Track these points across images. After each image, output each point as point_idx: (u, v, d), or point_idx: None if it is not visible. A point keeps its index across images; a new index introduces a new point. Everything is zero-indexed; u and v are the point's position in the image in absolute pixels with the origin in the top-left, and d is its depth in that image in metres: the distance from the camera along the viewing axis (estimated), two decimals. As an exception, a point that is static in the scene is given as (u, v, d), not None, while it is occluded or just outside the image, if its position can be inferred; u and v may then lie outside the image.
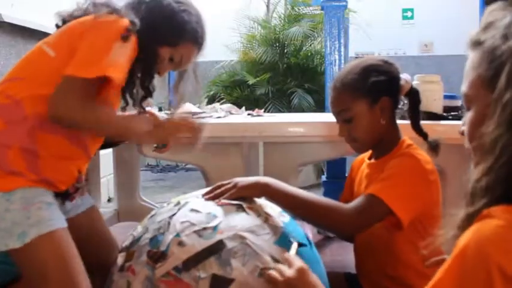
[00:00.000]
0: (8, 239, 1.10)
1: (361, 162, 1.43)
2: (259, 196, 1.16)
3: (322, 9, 3.47)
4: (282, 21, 5.39)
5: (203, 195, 1.17)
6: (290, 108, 4.67)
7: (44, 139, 1.17)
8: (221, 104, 2.82)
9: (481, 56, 0.69)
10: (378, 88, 1.26)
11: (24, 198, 1.12)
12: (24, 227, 1.10)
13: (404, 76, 1.31)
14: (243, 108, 2.55)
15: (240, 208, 1.12)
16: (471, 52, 0.72)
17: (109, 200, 3.89)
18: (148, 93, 1.41)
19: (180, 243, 1.03)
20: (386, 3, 6.88)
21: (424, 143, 1.32)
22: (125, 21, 1.21)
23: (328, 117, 2.57)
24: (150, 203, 2.75)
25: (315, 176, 4.31)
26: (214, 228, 1.05)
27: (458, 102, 2.10)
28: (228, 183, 1.16)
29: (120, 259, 1.12)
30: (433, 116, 1.90)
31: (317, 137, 1.93)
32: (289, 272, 0.93)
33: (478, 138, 0.67)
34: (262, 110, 2.58)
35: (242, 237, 1.04)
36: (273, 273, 0.94)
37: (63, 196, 1.27)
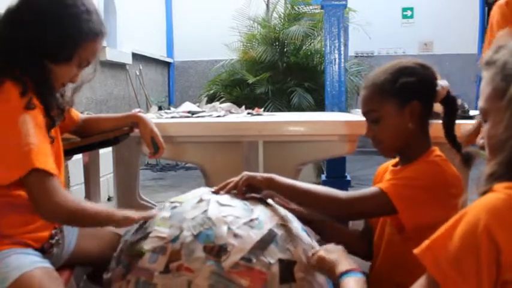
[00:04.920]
0: None
1: (385, 170, 1.38)
2: (265, 188, 1.23)
3: (322, 8, 3.47)
4: (282, 20, 5.39)
5: (214, 192, 1.23)
6: (290, 107, 4.67)
7: (7, 225, 1.16)
8: (221, 103, 2.82)
9: (494, 72, 0.77)
10: (407, 90, 1.22)
11: (1, 256, 1.12)
12: (4, 274, 1.09)
13: (442, 82, 1.26)
14: (243, 107, 2.55)
15: (261, 200, 1.22)
16: (485, 71, 0.80)
17: (109, 199, 3.89)
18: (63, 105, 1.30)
19: (236, 236, 1.08)
20: (386, 2, 6.89)
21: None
22: (13, 92, 1.10)
23: (328, 116, 2.57)
24: (150, 202, 2.75)
25: (315, 175, 4.31)
26: (259, 220, 1.13)
27: (458, 101, 2.09)
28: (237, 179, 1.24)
29: (151, 264, 1.07)
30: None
31: (317, 136, 1.93)
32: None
33: (490, 139, 0.77)
34: (262, 109, 2.58)
35: (284, 226, 1.15)
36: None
37: (40, 252, 1.24)
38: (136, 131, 1.58)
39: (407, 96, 1.22)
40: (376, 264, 1.33)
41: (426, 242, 0.73)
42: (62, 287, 1.16)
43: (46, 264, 1.17)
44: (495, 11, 1.87)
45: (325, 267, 1.06)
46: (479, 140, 0.83)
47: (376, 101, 1.25)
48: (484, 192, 0.73)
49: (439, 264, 0.70)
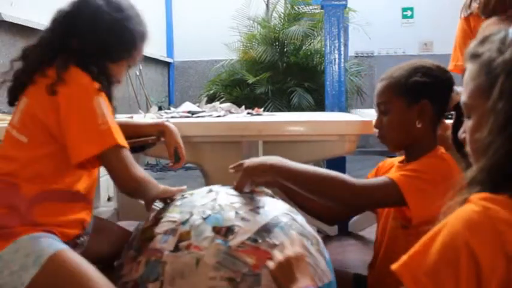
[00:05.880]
0: (23, 275, 1.11)
1: (390, 165, 1.39)
2: (266, 176, 1.22)
3: (322, 8, 3.46)
4: (282, 20, 5.39)
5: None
6: (290, 107, 4.67)
7: (40, 212, 1.20)
8: (221, 103, 2.81)
9: (479, 68, 0.75)
10: (418, 89, 1.23)
11: (32, 237, 1.16)
12: (38, 252, 1.13)
13: (459, 89, 1.28)
14: (243, 107, 2.55)
15: (267, 194, 1.28)
16: (469, 64, 0.77)
17: (109, 199, 3.88)
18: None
19: (243, 219, 1.13)
20: (386, 2, 6.88)
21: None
22: (85, 79, 1.20)
23: (328, 116, 2.57)
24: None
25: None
26: (265, 208, 1.19)
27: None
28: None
29: (161, 244, 1.12)
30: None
31: (317, 136, 1.93)
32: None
33: (474, 143, 0.75)
34: (262, 109, 2.57)
35: (288, 215, 1.21)
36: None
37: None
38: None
39: (417, 94, 1.23)
40: (379, 259, 1.33)
41: (404, 258, 0.71)
42: (92, 266, 1.18)
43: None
44: (457, 27, 1.85)
45: (280, 283, 1.03)
46: (461, 135, 0.82)
47: (388, 94, 1.27)
48: (463, 201, 0.71)
49: (416, 277, 0.68)
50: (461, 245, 0.65)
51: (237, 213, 1.14)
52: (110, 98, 1.28)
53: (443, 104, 1.27)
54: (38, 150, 1.21)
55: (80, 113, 1.18)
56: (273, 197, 1.28)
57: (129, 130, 1.55)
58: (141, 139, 1.54)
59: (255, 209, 1.17)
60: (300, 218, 1.24)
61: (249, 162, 1.22)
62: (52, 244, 1.17)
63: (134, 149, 1.58)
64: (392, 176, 1.18)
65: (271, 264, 1.05)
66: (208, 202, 1.18)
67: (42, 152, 1.21)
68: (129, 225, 1.67)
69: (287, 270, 1.02)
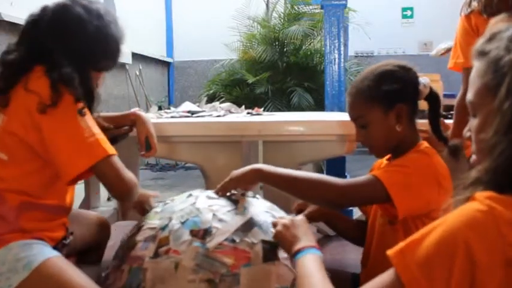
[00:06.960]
0: (12, 277, 1.12)
1: (380, 164, 1.42)
2: (253, 182, 1.24)
3: (322, 8, 3.46)
4: (282, 20, 5.39)
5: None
6: (289, 107, 4.67)
7: (27, 219, 1.21)
8: (221, 102, 2.82)
9: (486, 66, 0.73)
10: (391, 96, 1.24)
11: (24, 244, 1.17)
12: (29, 258, 1.14)
13: (423, 80, 1.29)
14: (243, 107, 2.55)
15: (248, 194, 1.28)
16: (477, 61, 0.75)
17: (109, 199, 3.88)
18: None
19: (221, 220, 1.14)
20: (386, 2, 6.89)
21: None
22: (69, 99, 1.16)
23: (328, 116, 2.57)
24: (150, 201, 2.75)
25: (315, 175, 4.31)
26: (244, 208, 1.20)
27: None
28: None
29: (142, 251, 1.13)
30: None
31: (316, 136, 1.93)
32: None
33: (479, 143, 0.73)
34: (262, 108, 2.58)
35: (268, 213, 1.22)
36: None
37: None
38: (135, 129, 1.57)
39: (391, 101, 1.25)
40: (370, 257, 1.34)
41: (400, 244, 0.70)
42: (82, 274, 1.18)
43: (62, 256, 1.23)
44: (458, 25, 1.85)
45: (283, 243, 1.06)
46: (466, 133, 0.80)
47: (362, 107, 1.28)
48: (466, 199, 0.69)
49: (408, 266, 0.67)
50: (460, 242, 0.64)
51: (214, 215, 1.15)
52: (92, 105, 1.27)
53: (415, 100, 1.29)
54: (20, 168, 1.20)
55: (65, 129, 1.16)
56: (254, 197, 1.28)
57: (100, 122, 1.56)
58: (114, 130, 1.54)
59: (234, 209, 1.18)
60: (282, 215, 1.24)
61: (235, 171, 1.23)
62: (44, 251, 1.17)
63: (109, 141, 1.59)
64: (375, 173, 1.20)
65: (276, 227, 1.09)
66: (187, 206, 1.19)
67: (25, 169, 1.20)
68: (129, 225, 1.67)
69: (291, 231, 1.06)
